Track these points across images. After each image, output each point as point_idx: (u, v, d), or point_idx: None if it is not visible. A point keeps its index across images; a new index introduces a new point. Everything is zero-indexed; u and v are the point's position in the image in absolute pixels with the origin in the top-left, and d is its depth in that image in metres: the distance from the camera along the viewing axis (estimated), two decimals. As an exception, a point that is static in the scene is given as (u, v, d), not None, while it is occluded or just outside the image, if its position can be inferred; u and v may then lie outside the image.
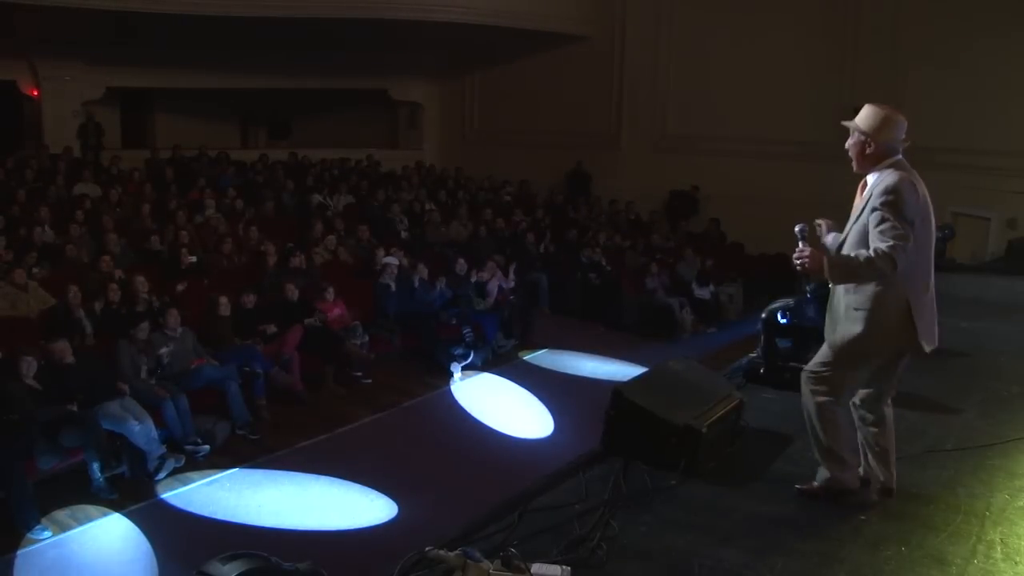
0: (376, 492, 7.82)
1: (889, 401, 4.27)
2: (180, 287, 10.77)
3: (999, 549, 3.76)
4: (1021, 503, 4.23)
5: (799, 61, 16.37)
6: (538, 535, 3.73)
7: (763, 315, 5.87)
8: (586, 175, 19.11)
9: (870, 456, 4.24)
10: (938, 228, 11.41)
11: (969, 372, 6.71)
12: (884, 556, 3.69)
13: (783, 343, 5.85)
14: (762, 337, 5.90)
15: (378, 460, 8.54)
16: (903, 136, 4.40)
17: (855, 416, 4.27)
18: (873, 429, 4.19)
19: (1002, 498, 4.28)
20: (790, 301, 5.89)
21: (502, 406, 10.30)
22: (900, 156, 4.36)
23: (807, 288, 7.07)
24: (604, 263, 14.68)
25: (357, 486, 7.94)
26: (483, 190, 18.36)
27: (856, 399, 4.27)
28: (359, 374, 10.56)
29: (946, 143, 14.59)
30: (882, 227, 3.97)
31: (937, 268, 10.72)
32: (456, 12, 16.55)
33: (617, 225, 17.14)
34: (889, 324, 4.09)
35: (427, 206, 16.08)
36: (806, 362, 5.80)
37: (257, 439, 8.88)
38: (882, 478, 4.22)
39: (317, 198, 15.33)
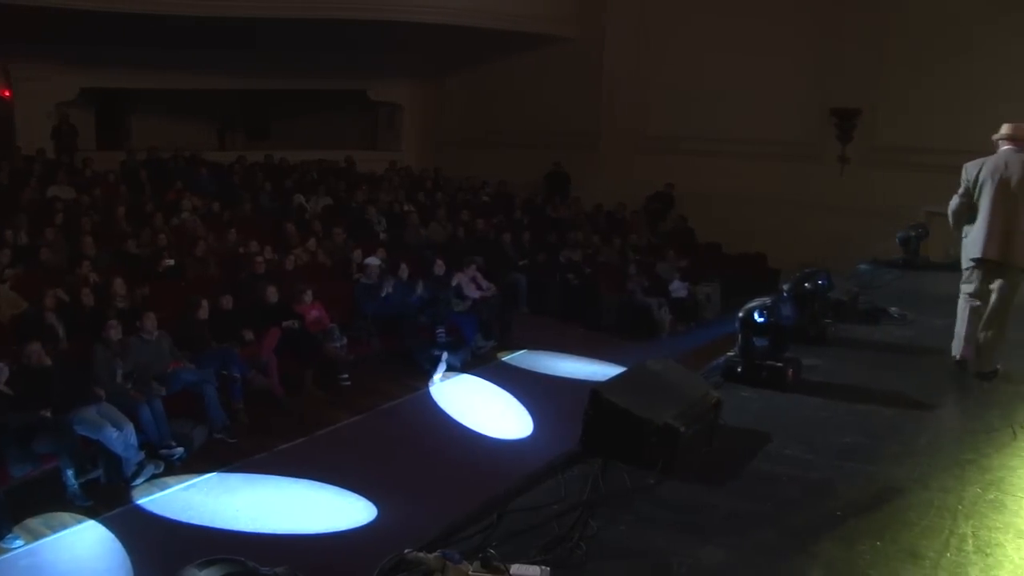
0: (355, 495, 7.82)
1: None
2: (153, 290, 10.69)
3: (971, 542, 3.80)
4: (992, 496, 4.28)
5: (779, 62, 16.47)
6: (517, 536, 3.72)
7: (740, 314, 5.89)
8: (565, 176, 19.13)
9: None
10: (912, 227, 11.66)
11: (943, 369, 6.76)
12: (859, 551, 3.72)
13: (760, 342, 5.87)
14: (740, 336, 5.92)
15: (357, 462, 8.54)
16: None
17: None
18: None
19: (974, 492, 4.33)
20: (767, 300, 5.92)
21: (481, 407, 10.32)
22: None
23: (783, 287, 7.13)
24: (582, 264, 14.72)
25: (336, 489, 7.93)
26: (462, 191, 18.35)
27: None
28: (339, 377, 10.53)
29: (921, 143, 14.78)
30: None
31: (911, 267, 10.98)
32: (434, 13, 16.53)
33: (596, 225, 17.18)
34: None
35: (406, 207, 16.06)
36: (783, 360, 5.88)
37: (235, 443, 8.86)
38: None
39: (299, 199, 15.27)
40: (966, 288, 6.44)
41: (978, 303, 6.33)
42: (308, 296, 10.96)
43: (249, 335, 10.10)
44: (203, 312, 9.87)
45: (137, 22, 14.57)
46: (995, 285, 6.26)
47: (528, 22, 17.93)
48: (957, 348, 6.46)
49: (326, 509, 7.68)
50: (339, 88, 20.14)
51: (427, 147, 20.99)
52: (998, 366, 6.32)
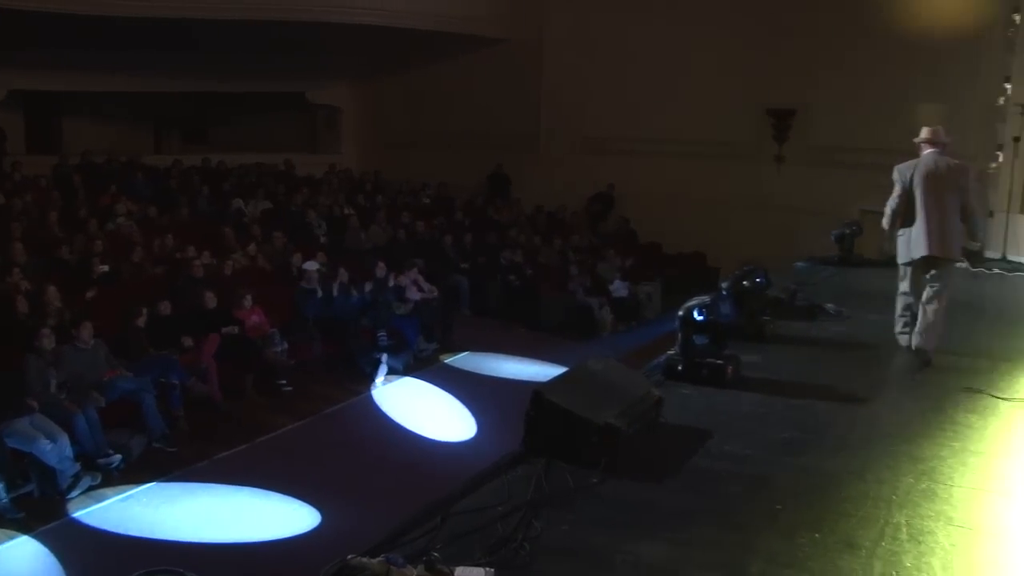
0: (298, 501, 7.75)
1: None
2: (89, 297, 10.48)
3: (904, 531, 3.90)
4: (924, 486, 4.40)
5: (716, 63, 16.68)
6: (461, 538, 3.72)
7: (680, 313, 5.96)
8: (505, 177, 19.16)
9: None
10: (846, 224, 11.95)
11: (876, 363, 6.94)
12: (798, 543, 3.79)
13: (700, 340, 5.95)
14: (680, 334, 5.99)
15: (300, 468, 8.47)
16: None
17: None
18: None
19: (907, 482, 4.43)
20: (706, 298, 6.00)
21: (424, 410, 10.30)
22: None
23: (722, 285, 7.23)
24: (524, 265, 14.76)
25: (278, 496, 7.86)
26: (402, 194, 18.29)
27: None
28: (280, 382, 10.43)
29: (853, 143, 15.11)
30: None
31: (846, 263, 11.27)
32: (371, 15, 16.43)
33: (536, 227, 17.24)
34: None
35: (346, 210, 15.95)
36: (722, 358, 5.97)
37: (174, 451, 8.71)
38: None
39: (238, 203, 15.07)
40: (904, 285, 6.95)
41: (912, 299, 6.85)
42: (248, 301, 10.84)
43: (188, 341, 9.94)
44: (141, 319, 9.70)
45: (68, 22, 14.22)
46: (931, 278, 6.69)
47: (465, 24, 17.91)
48: (903, 339, 6.95)
49: (269, 516, 7.59)
50: (277, 91, 19.92)
51: (367, 149, 20.86)
52: (931, 355, 6.66)
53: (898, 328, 7.05)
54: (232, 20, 15.26)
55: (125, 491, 7.88)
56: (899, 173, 6.73)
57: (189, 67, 17.69)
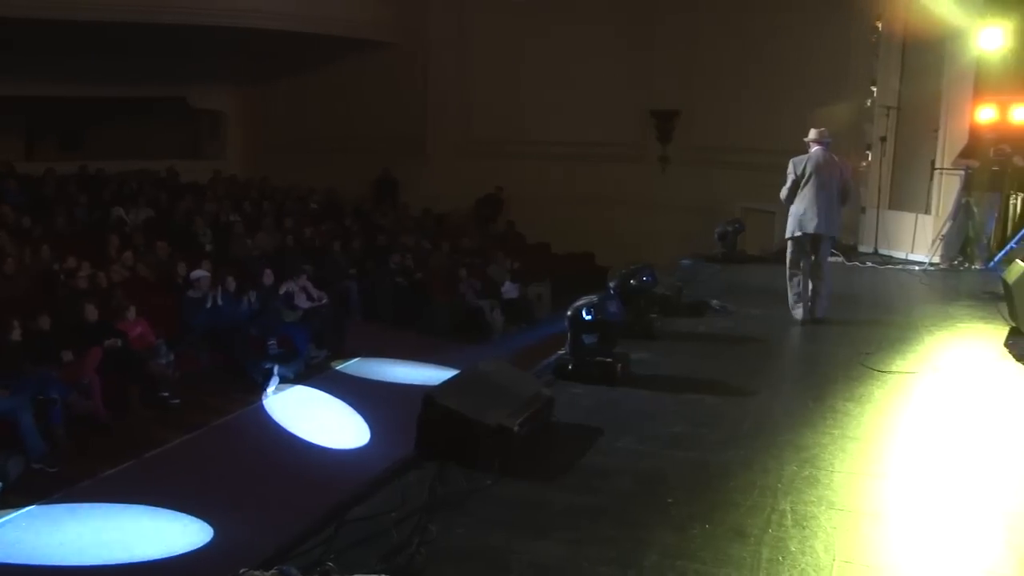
0: (189, 516, 7.54)
1: None
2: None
3: (789, 517, 4.03)
4: (806, 473, 4.56)
5: (600, 66, 16.98)
6: (356, 546, 3.69)
7: (568, 313, 6.03)
8: (394, 181, 19.07)
9: None
10: (729, 222, 12.38)
11: (762, 356, 7.18)
12: (690, 535, 3.88)
13: (589, 339, 6.02)
14: (569, 334, 6.06)
15: (190, 483, 8.25)
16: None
17: None
18: None
19: (791, 470, 4.59)
20: (594, 298, 6.08)
21: (316, 418, 10.18)
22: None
23: (610, 284, 7.35)
24: (413, 269, 14.71)
25: (168, 512, 7.63)
26: (289, 199, 17.97)
27: None
28: (166, 394, 10.14)
29: (734, 143, 15.59)
30: None
31: (730, 260, 11.69)
32: (254, 17, 16.12)
33: (425, 230, 17.20)
34: None
35: (231, 217, 15.60)
36: (611, 356, 6.06)
37: (55, 471, 8.34)
38: None
39: (118, 211, 14.56)
40: (792, 260, 8.21)
41: (799, 275, 8.15)
42: (131, 312, 10.54)
43: (68, 356, 9.57)
44: (15, 333, 9.28)
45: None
46: (815, 252, 8.12)
47: (349, 27, 17.75)
48: (798, 313, 8.17)
49: (158, 534, 7.37)
50: (158, 96, 19.31)
51: (253, 155, 20.45)
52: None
53: (791, 302, 8.22)
54: (109, 22, 14.74)
55: (3, 516, 7.52)
56: (793, 165, 8.10)
57: (64, 71, 16.95)
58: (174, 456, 9.02)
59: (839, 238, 9.15)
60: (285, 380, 11.03)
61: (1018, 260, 8.08)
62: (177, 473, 8.56)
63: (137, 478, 8.36)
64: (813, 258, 8.13)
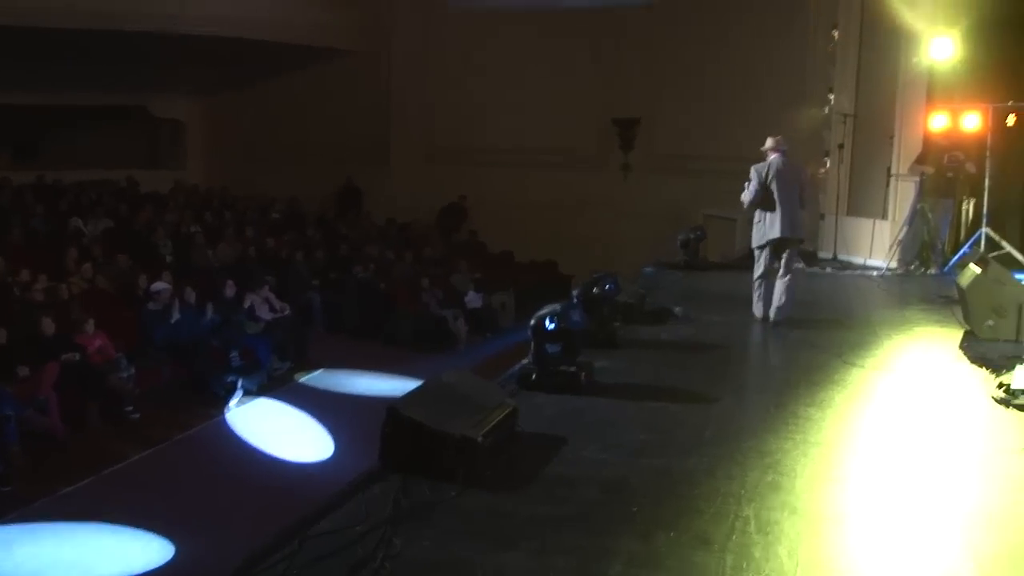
0: (150, 534, 7.42)
1: None
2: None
3: (753, 524, 4.06)
4: (770, 479, 4.60)
5: (563, 74, 17.07)
6: (321, 561, 3.66)
7: (532, 322, 6.04)
8: (357, 190, 18.99)
9: None
10: (691, 230, 12.51)
11: (725, 363, 7.23)
12: (656, 543, 3.89)
13: (552, 348, 6.02)
14: (532, 344, 6.07)
15: (151, 499, 8.12)
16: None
17: None
18: None
19: (754, 476, 4.63)
20: (557, 307, 6.09)
21: (280, 431, 10.07)
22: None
23: (573, 293, 7.38)
24: (377, 279, 14.65)
25: (129, 529, 7.50)
26: (251, 209, 17.83)
27: None
28: (127, 409, 10.00)
29: (695, 151, 15.73)
30: None
31: (692, 267, 11.80)
32: (214, 25, 15.98)
33: (388, 240, 17.15)
34: None
35: (192, 228, 15.44)
36: (575, 365, 6.08)
37: (10, 490, 8.17)
38: None
39: (76, 222, 14.35)
40: (759, 269, 8.39)
41: (766, 280, 8.34)
42: (90, 326, 10.38)
43: (24, 371, 9.39)
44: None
45: None
46: (782, 255, 8.30)
47: (312, 35, 17.67)
48: (759, 311, 8.41)
49: (119, 553, 7.24)
50: (117, 104, 19.06)
51: (214, 164, 20.27)
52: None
53: (754, 301, 8.45)
54: (65, 29, 14.51)
55: (-45, 537, 7.37)
56: (756, 172, 8.25)
57: (18, 78, 16.66)
58: (134, 472, 8.88)
59: (804, 241, 9.44)
60: (248, 393, 10.93)
61: (971, 265, 8.28)
62: (138, 489, 8.42)
63: (96, 495, 8.20)
64: (781, 262, 8.34)
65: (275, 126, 19.23)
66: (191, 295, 11.82)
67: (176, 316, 11.33)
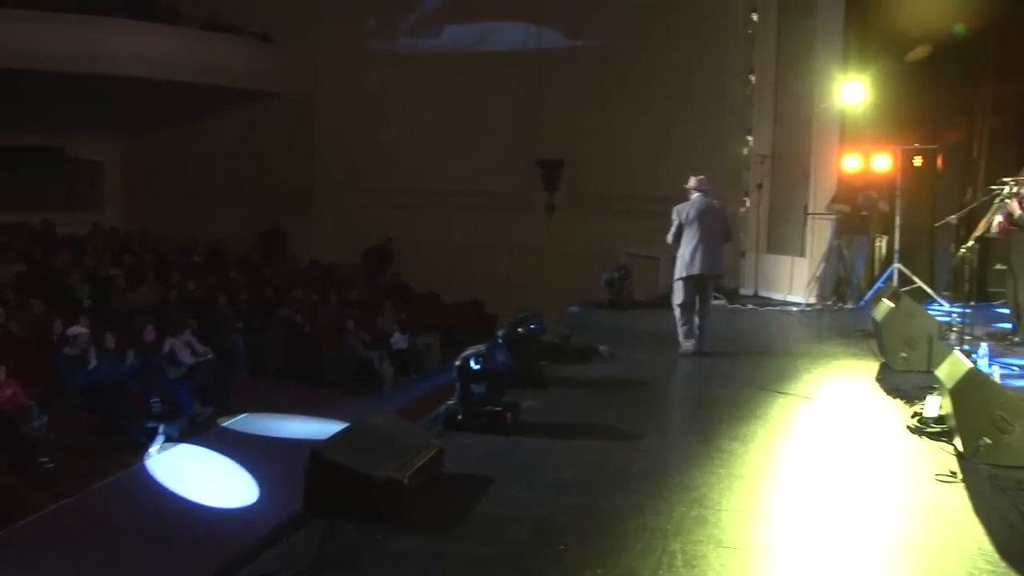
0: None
1: None
2: None
3: (680, 558, 4.09)
4: (695, 513, 4.64)
5: (488, 116, 17.24)
6: (244, 608, 3.59)
7: (457, 363, 6.03)
8: (281, 233, 18.82)
9: None
10: (615, 269, 12.69)
11: (650, 399, 7.30)
12: (583, 581, 3.90)
13: (478, 388, 6.01)
14: (457, 384, 6.05)
15: (65, 553, 7.83)
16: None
17: None
18: None
19: (680, 511, 4.66)
20: (482, 347, 6.10)
21: (202, 477, 9.83)
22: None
23: (498, 333, 7.40)
24: (301, 321, 14.50)
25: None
26: (172, 252, 17.53)
27: None
28: (41, 459, 9.65)
29: (618, 191, 15.99)
30: None
31: (617, 306, 11.97)
32: (134, 66, 15.79)
33: (313, 282, 17.00)
34: None
35: (111, 271, 15.11)
36: (501, 405, 6.08)
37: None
38: None
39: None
40: (677, 299, 8.75)
41: (689, 312, 8.69)
42: (2, 373, 10.02)
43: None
44: None
45: None
46: (701, 290, 8.75)
47: (236, 77, 17.62)
48: (689, 346, 8.70)
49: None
50: (33, 144, 18.61)
51: (134, 206, 19.93)
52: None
53: (681, 337, 8.73)
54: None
55: None
56: (677, 212, 8.74)
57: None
58: (48, 524, 8.57)
59: (723, 276, 10.00)
60: (169, 439, 10.67)
61: (884, 299, 8.57)
62: (51, 541, 8.14)
63: (7, 549, 7.90)
64: (699, 296, 8.74)
65: (198, 168, 19.01)
66: (111, 340, 11.54)
67: (94, 362, 11.04)
